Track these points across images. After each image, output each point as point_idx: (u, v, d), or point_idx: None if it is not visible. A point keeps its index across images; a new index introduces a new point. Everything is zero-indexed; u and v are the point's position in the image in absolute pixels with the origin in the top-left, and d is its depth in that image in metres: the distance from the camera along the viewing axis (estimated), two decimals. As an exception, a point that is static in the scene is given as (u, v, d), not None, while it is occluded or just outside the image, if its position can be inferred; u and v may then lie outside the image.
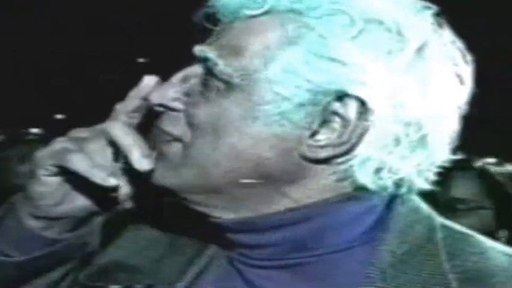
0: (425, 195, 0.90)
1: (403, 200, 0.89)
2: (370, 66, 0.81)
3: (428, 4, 0.87)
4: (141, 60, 11.39)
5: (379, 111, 0.81)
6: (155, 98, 0.89)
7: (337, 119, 0.83)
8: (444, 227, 0.90)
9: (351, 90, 0.81)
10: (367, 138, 0.82)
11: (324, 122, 0.83)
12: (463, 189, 2.26)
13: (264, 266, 0.89)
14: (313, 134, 0.83)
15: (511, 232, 2.27)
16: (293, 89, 0.82)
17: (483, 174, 2.31)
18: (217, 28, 0.89)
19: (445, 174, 0.88)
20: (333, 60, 0.81)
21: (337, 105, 0.82)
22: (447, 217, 0.93)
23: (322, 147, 0.83)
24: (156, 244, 1.03)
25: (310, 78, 0.81)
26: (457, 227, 0.92)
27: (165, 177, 0.88)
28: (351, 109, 0.82)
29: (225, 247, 0.94)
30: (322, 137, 0.83)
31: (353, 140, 0.82)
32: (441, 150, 0.87)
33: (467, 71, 0.87)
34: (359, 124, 0.81)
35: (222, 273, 0.94)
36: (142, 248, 1.03)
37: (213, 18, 0.89)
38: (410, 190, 0.88)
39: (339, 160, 0.84)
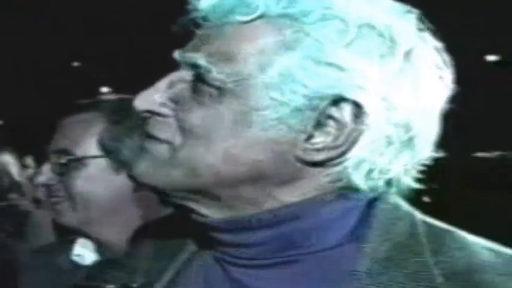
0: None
1: (383, 197, 0.90)
2: (366, 71, 0.81)
3: (411, 8, 0.87)
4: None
5: (373, 114, 0.81)
6: (141, 105, 0.88)
7: (332, 122, 0.82)
8: (425, 223, 0.90)
9: (348, 94, 0.81)
10: (361, 140, 0.82)
11: (320, 126, 0.83)
12: None
13: (252, 265, 0.88)
14: (309, 138, 0.83)
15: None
16: (290, 94, 0.81)
17: None
18: (200, 32, 0.87)
19: None
20: (330, 65, 0.81)
21: (332, 110, 0.82)
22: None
23: (318, 150, 0.83)
24: (150, 243, 1.03)
25: (307, 84, 0.81)
26: (437, 223, 0.92)
27: (153, 176, 0.88)
28: (346, 113, 0.82)
29: (210, 245, 0.94)
30: (318, 140, 0.83)
31: (348, 143, 0.82)
32: (425, 149, 0.88)
33: (448, 72, 0.88)
34: (354, 127, 0.82)
35: (206, 272, 0.94)
36: (137, 248, 1.03)
37: (195, 23, 0.88)
38: (399, 189, 0.88)
39: (334, 162, 0.83)
